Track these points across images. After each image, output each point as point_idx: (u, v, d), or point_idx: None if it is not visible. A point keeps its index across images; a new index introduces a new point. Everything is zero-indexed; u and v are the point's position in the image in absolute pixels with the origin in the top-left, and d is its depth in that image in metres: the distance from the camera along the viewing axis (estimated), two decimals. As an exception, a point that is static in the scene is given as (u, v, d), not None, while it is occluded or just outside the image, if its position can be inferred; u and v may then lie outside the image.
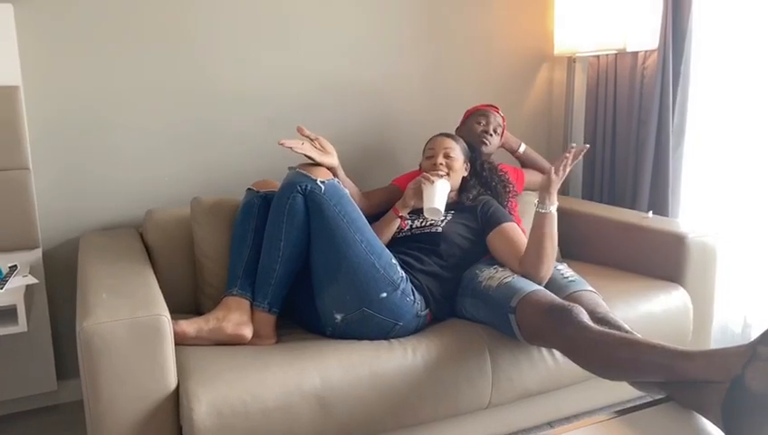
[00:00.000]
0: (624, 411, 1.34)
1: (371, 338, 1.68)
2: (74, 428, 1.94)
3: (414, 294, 1.74)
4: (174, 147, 2.18)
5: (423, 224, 1.93)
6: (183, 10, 2.12)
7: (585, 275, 1.90)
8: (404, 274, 1.74)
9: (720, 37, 2.24)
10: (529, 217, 2.26)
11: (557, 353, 1.74)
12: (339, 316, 1.68)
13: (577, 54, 2.62)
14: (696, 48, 2.28)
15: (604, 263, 2.24)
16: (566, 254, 2.35)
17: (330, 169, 1.82)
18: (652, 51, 2.35)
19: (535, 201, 1.79)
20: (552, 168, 1.75)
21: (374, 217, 1.93)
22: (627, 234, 2.20)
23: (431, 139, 2.10)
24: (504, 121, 2.29)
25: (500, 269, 1.82)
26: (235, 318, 1.67)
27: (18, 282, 1.78)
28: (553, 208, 1.76)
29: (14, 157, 1.84)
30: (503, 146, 2.35)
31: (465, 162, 2.07)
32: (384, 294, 1.67)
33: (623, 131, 2.51)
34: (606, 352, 1.45)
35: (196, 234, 1.93)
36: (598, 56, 2.57)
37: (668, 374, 1.33)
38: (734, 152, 2.25)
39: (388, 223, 1.93)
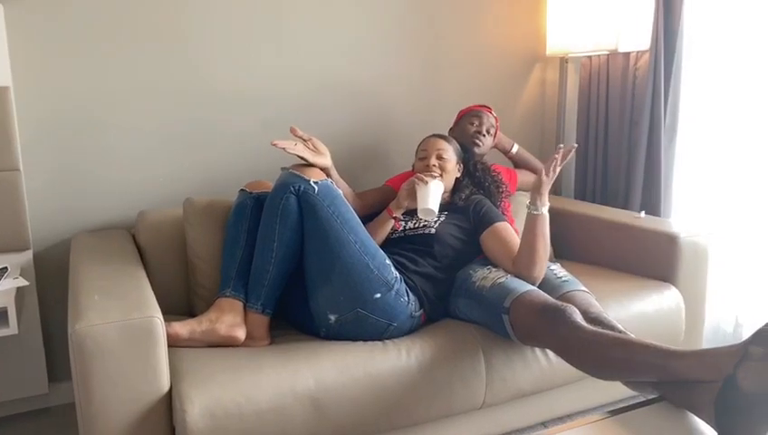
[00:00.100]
0: (617, 411, 1.35)
1: (365, 339, 1.68)
2: (66, 431, 1.93)
3: (408, 295, 1.74)
4: (166, 147, 2.16)
5: (416, 225, 1.93)
6: (177, 10, 2.11)
7: (578, 275, 1.91)
8: (398, 274, 1.74)
9: (711, 37, 2.26)
10: (522, 218, 2.27)
11: (550, 354, 1.74)
12: (333, 317, 1.68)
13: (569, 55, 2.63)
14: (687, 48, 2.29)
15: (597, 263, 2.25)
16: (559, 254, 2.35)
17: (323, 169, 1.81)
18: (644, 51, 2.36)
19: (527, 203, 1.79)
20: (543, 169, 1.76)
21: (367, 217, 1.93)
22: (619, 234, 2.21)
23: (424, 140, 2.10)
24: (496, 122, 2.29)
25: (493, 269, 1.82)
26: (229, 320, 1.67)
27: (8, 284, 1.77)
28: (545, 210, 1.77)
29: (4, 158, 1.83)
30: (495, 146, 2.36)
31: (457, 163, 2.07)
32: (378, 295, 1.67)
33: (615, 132, 2.52)
34: (599, 352, 1.45)
35: (189, 235, 1.93)
36: (590, 57, 2.58)
37: (661, 374, 1.33)
38: (726, 152, 2.26)
39: (381, 224, 1.93)
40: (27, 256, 1.93)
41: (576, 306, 1.60)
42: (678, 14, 2.26)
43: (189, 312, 1.91)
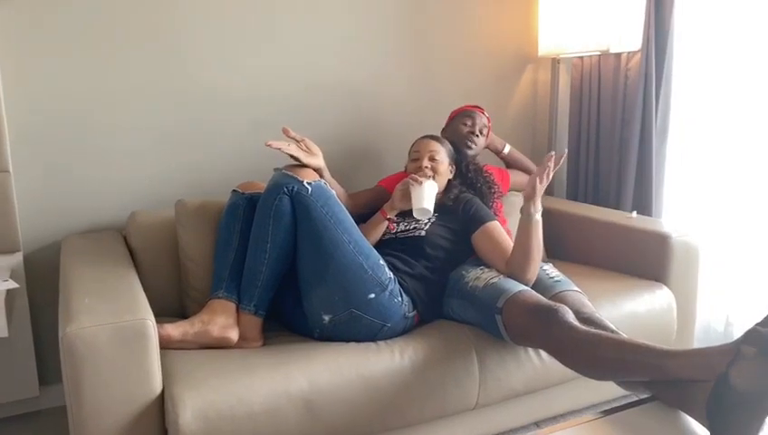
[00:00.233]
0: (610, 411, 1.35)
1: (359, 340, 1.68)
2: (57, 434, 1.91)
3: (402, 296, 1.73)
4: (157, 148, 2.15)
5: (407, 228, 1.93)
6: (168, 10, 2.10)
7: (570, 275, 1.91)
8: (392, 275, 1.74)
9: (702, 39, 2.27)
10: (514, 218, 2.28)
11: (543, 354, 1.75)
12: (327, 317, 1.67)
13: (561, 56, 2.64)
14: (678, 50, 2.30)
15: (589, 263, 2.25)
16: (551, 254, 2.36)
17: (316, 170, 1.81)
18: (635, 52, 2.37)
19: (520, 208, 1.79)
20: (536, 177, 1.75)
21: (360, 218, 1.93)
22: (611, 234, 2.22)
23: (416, 141, 2.10)
24: (489, 122, 2.29)
25: (486, 270, 1.82)
26: (221, 321, 1.66)
27: (-2, 286, 1.75)
28: (538, 215, 1.76)
29: (-7, 159, 1.82)
30: (487, 147, 2.36)
31: (450, 165, 2.07)
32: (372, 295, 1.67)
33: (607, 132, 2.53)
34: (592, 352, 1.46)
35: (181, 237, 1.92)
36: (582, 57, 2.59)
37: (654, 374, 1.34)
38: (717, 152, 2.27)
39: (375, 225, 1.92)
40: (17, 258, 1.92)
41: (569, 306, 1.61)
42: (669, 15, 2.27)
43: (181, 314, 1.90)
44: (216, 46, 2.19)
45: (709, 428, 1.20)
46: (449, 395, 1.67)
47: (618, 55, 2.45)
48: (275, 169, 1.76)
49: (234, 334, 1.65)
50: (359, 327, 1.68)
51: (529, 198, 1.76)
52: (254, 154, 2.25)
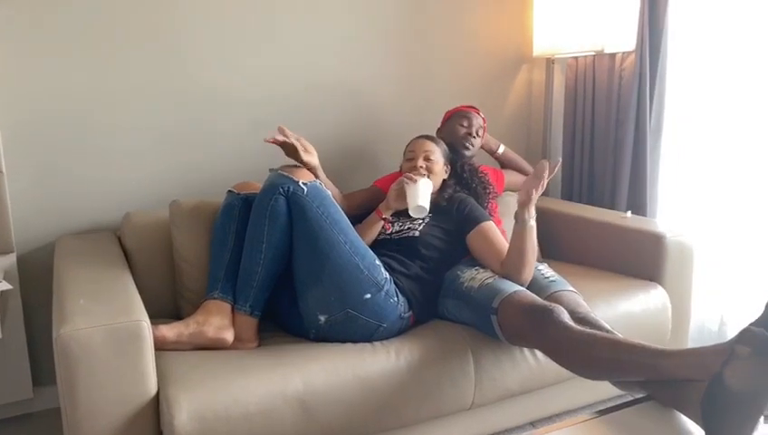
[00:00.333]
0: (605, 411, 1.36)
1: (355, 340, 1.68)
2: (51, 436, 1.91)
3: (398, 296, 1.73)
4: (153, 148, 2.14)
5: (401, 228, 1.93)
6: (167, 10, 2.09)
7: (565, 275, 1.92)
8: (388, 275, 1.74)
9: (696, 39, 2.28)
10: (508, 218, 2.28)
11: (539, 354, 1.75)
12: (323, 318, 1.67)
13: (556, 56, 2.64)
14: (672, 50, 2.31)
15: (584, 263, 2.26)
16: (546, 254, 2.36)
17: (310, 169, 1.81)
18: (629, 52, 2.38)
19: (515, 214, 1.77)
20: (532, 187, 1.72)
21: (355, 218, 1.93)
22: (606, 234, 2.22)
23: (412, 141, 2.10)
24: (484, 123, 2.30)
25: (481, 270, 1.83)
26: (216, 322, 1.65)
27: (-8, 288, 1.74)
28: (532, 221, 1.76)
29: (-14, 160, 1.81)
30: (482, 147, 2.36)
31: (445, 165, 2.07)
32: (368, 295, 1.66)
33: (601, 132, 2.54)
34: (587, 352, 1.46)
35: (176, 238, 1.91)
36: (576, 58, 2.60)
37: (649, 373, 1.34)
38: (711, 152, 2.28)
39: (371, 225, 1.92)
40: (11, 259, 1.91)
41: (564, 306, 1.61)
42: (663, 15, 2.28)
43: (176, 315, 1.89)
44: (214, 46, 2.18)
45: (704, 427, 1.20)
46: (445, 395, 1.67)
47: (612, 56, 2.46)
48: (271, 170, 1.76)
49: (229, 335, 1.65)
50: (354, 328, 1.68)
51: (523, 205, 1.75)
52: (249, 154, 2.25)
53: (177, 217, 1.91)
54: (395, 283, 1.76)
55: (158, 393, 1.42)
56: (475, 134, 2.23)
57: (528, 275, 1.78)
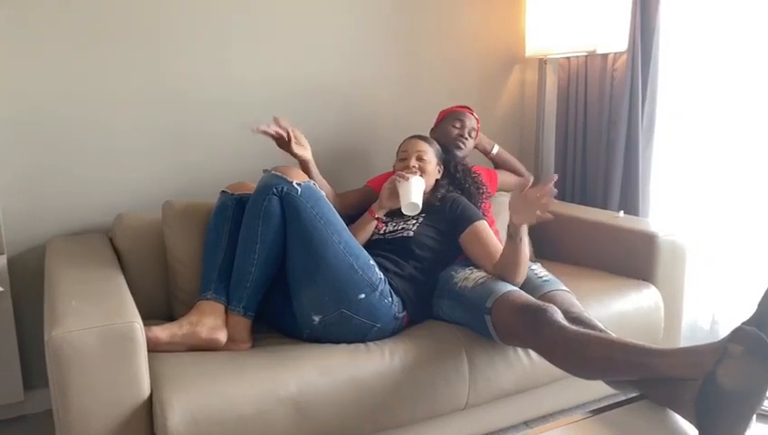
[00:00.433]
0: (599, 410, 1.36)
1: (349, 341, 1.67)
2: (43, 439, 1.90)
3: (392, 296, 1.73)
4: (144, 149, 2.13)
5: (395, 228, 1.93)
6: (162, 11, 2.08)
7: (558, 275, 1.92)
8: (382, 275, 1.74)
9: (687, 39, 2.29)
10: (503, 218, 2.29)
11: (533, 353, 1.75)
12: (317, 318, 1.67)
13: (548, 56, 2.65)
14: (663, 50, 2.33)
15: (576, 262, 2.27)
16: (539, 254, 2.37)
17: (303, 161, 1.82)
18: (621, 53, 2.39)
19: (507, 227, 1.73)
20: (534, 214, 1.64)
21: (348, 218, 1.92)
22: (599, 233, 2.23)
23: (404, 141, 2.11)
24: (478, 124, 2.30)
25: (475, 270, 1.83)
26: (210, 322, 1.65)
27: (-18, 290, 1.73)
28: (525, 237, 1.72)
29: (-24, 160, 1.79)
30: (476, 147, 2.37)
31: (438, 165, 2.08)
32: (362, 296, 1.66)
33: (594, 132, 2.55)
34: (581, 352, 1.46)
35: (169, 239, 1.90)
36: (568, 58, 2.61)
37: (643, 372, 1.35)
38: (703, 152, 2.30)
39: (364, 225, 1.92)
40: (1, 261, 1.90)
41: (557, 306, 1.61)
42: (655, 16, 2.29)
43: (169, 317, 1.88)
44: (206, 48, 2.17)
45: (697, 426, 1.21)
46: (439, 395, 1.67)
47: (604, 56, 2.47)
48: (265, 171, 1.75)
49: (222, 336, 1.64)
50: (349, 328, 1.68)
51: (519, 224, 1.68)
52: (242, 155, 2.24)
53: (170, 217, 1.90)
54: (389, 283, 1.76)
55: (151, 395, 1.41)
56: (467, 135, 2.24)
57: (521, 278, 1.78)
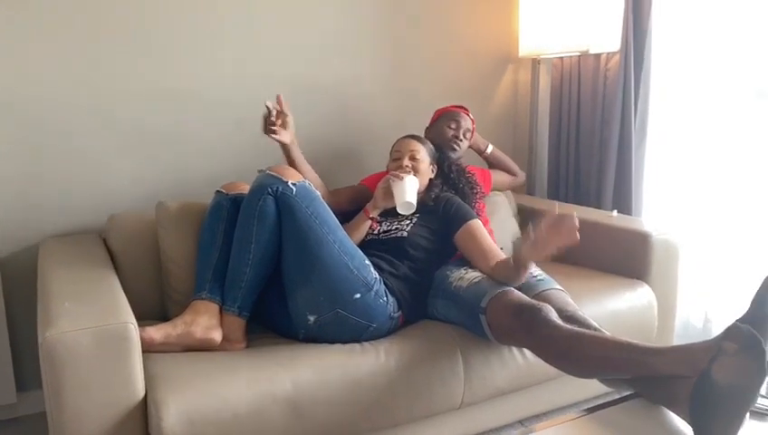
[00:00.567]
0: (594, 409, 1.37)
1: (344, 341, 1.67)
2: (36, 441, 1.89)
3: (387, 296, 1.73)
4: (137, 149, 2.12)
5: (389, 228, 1.93)
6: (153, 10, 2.07)
7: (552, 274, 1.92)
8: (377, 275, 1.74)
9: (679, 39, 2.30)
10: (496, 217, 2.30)
11: (527, 352, 1.75)
12: (312, 318, 1.66)
13: (541, 56, 2.66)
14: (656, 49, 2.34)
15: (570, 262, 2.27)
16: (533, 253, 2.37)
17: (283, 146, 1.89)
18: (614, 53, 2.40)
19: (513, 254, 1.72)
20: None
21: (341, 215, 1.92)
22: (592, 233, 2.23)
23: (398, 141, 2.11)
24: (473, 124, 2.30)
25: (470, 270, 1.83)
26: (204, 322, 1.64)
27: (-26, 291, 1.72)
28: (530, 268, 1.72)
29: (-32, 161, 1.78)
30: (470, 146, 2.37)
31: (431, 164, 2.08)
32: (358, 295, 1.66)
33: (587, 132, 2.56)
34: (576, 351, 1.47)
35: (163, 239, 1.89)
36: (562, 58, 2.62)
37: (638, 370, 1.35)
38: (695, 152, 2.31)
39: (358, 225, 1.92)
40: (-7, 261, 1.89)
41: (552, 305, 1.62)
42: (647, 16, 2.30)
43: (163, 317, 1.86)
44: (198, 46, 2.16)
45: (691, 423, 1.22)
46: (435, 395, 1.67)
47: (597, 56, 2.48)
48: (260, 171, 1.75)
49: (217, 335, 1.64)
50: (344, 328, 1.68)
51: (526, 259, 1.65)
52: (237, 155, 2.23)
53: (164, 218, 1.90)
54: (384, 283, 1.76)
55: (145, 396, 1.41)
56: (462, 136, 2.24)
57: (517, 284, 1.77)
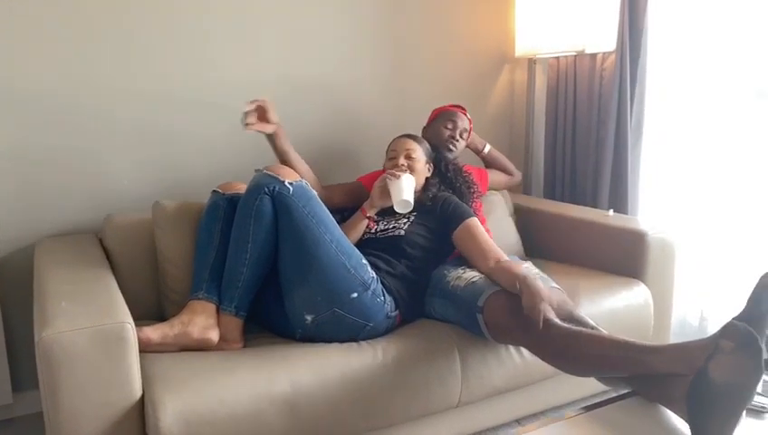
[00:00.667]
0: (591, 407, 1.37)
1: (341, 340, 1.67)
2: (32, 442, 1.88)
3: (384, 295, 1.73)
4: (134, 148, 2.12)
5: (386, 227, 1.93)
6: (151, 10, 2.07)
7: (548, 273, 1.92)
8: (374, 274, 1.74)
9: (675, 38, 2.31)
10: (493, 217, 2.30)
11: (524, 351, 1.76)
12: (309, 317, 1.66)
13: (537, 56, 2.66)
14: (651, 49, 2.34)
15: (567, 261, 2.28)
16: (529, 252, 2.38)
17: (269, 137, 1.90)
18: (610, 53, 2.41)
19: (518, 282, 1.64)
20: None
21: (337, 212, 1.92)
22: (588, 232, 2.24)
23: (393, 140, 2.11)
24: (470, 124, 2.31)
25: (468, 270, 1.83)
26: (201, 322, 1.64)
27: (-30, 291, 1.71)
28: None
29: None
30: (468, 146, 2.37)
31: (427, 163, 2.08)
32: (355, 295, 1.66)
33: (583, 131, 2.57)
34: (573, 349, 1.47)
35: (159, 239, 1.89)
36: (558, 58, 2.62)
37: (635, 369, 1.36)
38: (691, 151, 2.32)
39: (355, 224, 1.92)
40: (-11, 261, 1.88)
41: (549, 303, 1.62)
42: (643, 16, 2.31)
43: (160, 317, 1.86)
44: (194, 47, 2.16)
45: (688, 421, 1.22)
46: (432, 394, 1.67)
47: (593, 56, 2.48)
48: (256, 170, 1.75)
49: (214, 335, 1.64)
50: (341, 327, 1.67)
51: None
52: (233, 155, 2.23)
53: (161, 218, 1.89)
54: (381, 282, 1.76)
55: (142, 396, 1.40)
56: (458, 137, 2.24)
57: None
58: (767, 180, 2.14)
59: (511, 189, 2.55)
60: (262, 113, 1.88)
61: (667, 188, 2.41)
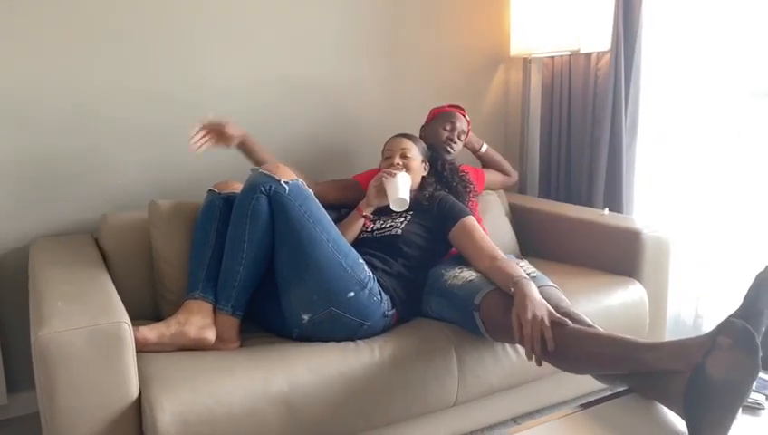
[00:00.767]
0: (588, 405, 1.37)
1: (338, 339, 1.67)
2: (27, 443, 1.87)
3: (381, 294, 1.73)
4: (130, 148, 2.11)
5: (383, 226, 1.93)
6: (149, 10, 2.06)
7: (545, 272, 1.93)
8: (371, 273, 1.73)
9: (670, 38, 2.32)
10: (489, 216, 2.31)
11: (521, 349, 1.75)
12: (306, 317, 1.66)
13: (532, 55, 2.67)
14: (646, 49, 2.35)
15: (562, 260, 2.28)
16: (525, 251, 2.39)
17: (239, 145, 1.90)
18: (605, 52, 2.42)
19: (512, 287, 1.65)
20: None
21: (330, 209, 1.92)
22: (584, 231, 2.25)
23: (389, 139, 2.12)
24: (468, 125, 2.31)
25: (465, 269, 1.83)
26: (198, 321, 1.63)
27: (-36, 291, 1.70)
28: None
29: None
30: (465, 145, 2.38)
31: (423, 162, 2.08)
32: (352, 294, 1.66)
33: (578, 131, 2.57)
34: (570, 347, 1.47)
35: (155, 239, 1.88)
36: (552, 57, 2.63)
37: (632, 366, 1.36)
38: (685, 150, 2.33)
39: (352, 223, 1.92)
40: (-17, 262, 1.87)
41: (545, 301, 1.62)
42: (638, 16, 2.32)
43: (156, 317, 1.85)
44: (188, 46, 2.15)
45: (685, 418, 1.22)
46: (429, 393, 1.67)
47: (588, 55, 2.49)
48: (252, 169, 1.74)
49: (211, 335, 1.63)
50: (338, 326, 1.67)
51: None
52: (229, 154, 2.21)
53: (157, 217, 1.89)
54: (378, 281, 1.76)
55: (139, 396, 1.40)
56: (456, 139, 2.24)
57: None
58: (761, 179, 2.16)
59: (506, 189, 2.56)
60: (218, 131, 1.86)
61: (661, 187, 2.42)
